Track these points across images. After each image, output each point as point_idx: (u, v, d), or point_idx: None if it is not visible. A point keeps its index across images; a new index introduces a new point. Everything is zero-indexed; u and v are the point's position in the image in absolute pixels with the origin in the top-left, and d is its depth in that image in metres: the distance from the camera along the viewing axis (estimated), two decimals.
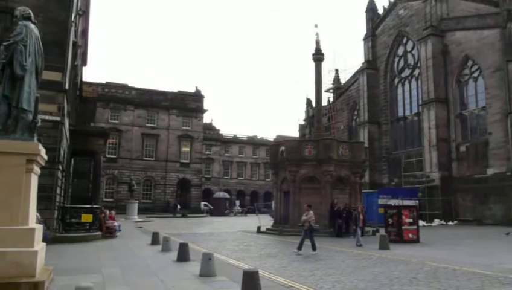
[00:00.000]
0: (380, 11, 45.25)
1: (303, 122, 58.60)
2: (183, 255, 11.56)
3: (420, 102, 37.63)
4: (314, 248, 14.02)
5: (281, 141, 35.43)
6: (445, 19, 36.71)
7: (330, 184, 22.80)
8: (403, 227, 18.24)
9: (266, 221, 27.96)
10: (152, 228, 24.64)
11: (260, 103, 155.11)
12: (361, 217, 17.84)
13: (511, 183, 29.26)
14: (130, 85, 53.08)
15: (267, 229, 24.28)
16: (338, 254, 14.17)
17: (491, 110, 31.99)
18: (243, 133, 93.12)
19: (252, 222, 32.20)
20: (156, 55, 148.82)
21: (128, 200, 38.22)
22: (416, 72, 39.48)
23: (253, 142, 77.42)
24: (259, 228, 24.40)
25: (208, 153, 70.20)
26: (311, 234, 14.29)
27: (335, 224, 21.34)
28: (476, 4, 38.50)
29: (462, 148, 34.23)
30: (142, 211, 40.14)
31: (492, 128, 31.71)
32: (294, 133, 63.89)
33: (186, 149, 54.28)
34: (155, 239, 16.06)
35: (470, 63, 34.51)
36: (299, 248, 14.03)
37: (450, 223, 31.51)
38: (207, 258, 9.35)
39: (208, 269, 9.25)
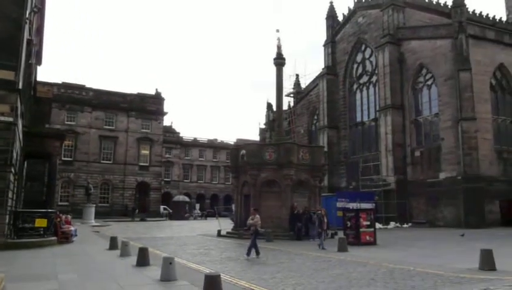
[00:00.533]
0: (340, 18, 46.29)
1: (263, 126, 58.98)
2: (143, 259, 11.35)
3: (377, 108, 38.75)
4: (258, 252, 13.81)
5: (241, 144, 35.54)
6: (402, 28, 38.05)
7: (290, 188, 23.07)
8: (361, 230, 18.70)
9: (226, 224, 27.88)
10: (110, 232, 24.03)
11: (221, 106, 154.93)
12: (325, 220, 18.11)
13: (461, 187, 30.59)
14: (87, 86, 51.57)
15: (228, 232, 24.25)
16: (298, 257, 14.34)
17: (444, 117, 33.39)
18: (204, 136, 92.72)
19: (212, 225, 32.02)
20: (115, 57, 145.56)
21: (85, 204, 37.11)
22: (374, 78, 40.65)
23: (214, 146, 77.14)
24: (219, 231, 24.33)
25: (167, 156, 69.30)
26: (255, 238, 14.03)
27: (295, 227, 21.60)
28: (430, 15, 40.14)
29: (417, 153, 35.52)
30: (99, 215, 39.05)
31: (445, 134, 33.09)
32: (255, 136, 64.30)
33: (145, 152, 53.31)
34: (113, 244, 15.68)
35: (424, 71, 35.89)
36: (248, 254, 13.79)
37: (405, 225, 32.60)
38: (167, 263, 9.23)
39: (168, 274, 9.13)
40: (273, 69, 26.31)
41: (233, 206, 31.66)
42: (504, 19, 49.29)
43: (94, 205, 37.37)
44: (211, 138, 78.39)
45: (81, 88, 50.89)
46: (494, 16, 44.47)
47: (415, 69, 36.22)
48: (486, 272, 10.24)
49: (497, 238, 20.86)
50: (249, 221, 14.68)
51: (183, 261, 12.87)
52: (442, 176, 32.84)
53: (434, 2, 41.27)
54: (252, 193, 23.38)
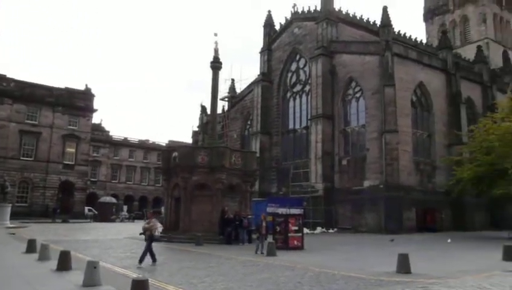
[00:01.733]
0: (277, 26, 47.30)
1: (197, 129, 58.54)
2: (64, 263, 10.79)
3: (309, 116, 39.97)
4: (154, 259, 12.98)
5: (174, 146, 35.00)
6: (335, 42, 39.69)
7: (221, 192, 23.12)
8: (289, 234, 19.17)
9: None
10: (28, 234, 22.54)
11: (155, 107, 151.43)
12: (264, 224, 18.31)
13: (383, 195, 32.40)
14: (8, 76, 48.08)
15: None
16: (227, 261, 14.40)
17: (370, 128, 35.22)
18: (134, 136, 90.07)
19: (140, 228, 31.06)
20: (43, 50, 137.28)
21: (0, 203, 34.41)
22: (307, 88, 41.92)
23: (145, 146, 75.21)
24: None
25: (95, 155, 66.47)
26: (150, 243, 13.05)
27: (225, 232, 21.65)
28: (361, 32, 42.27)
29: (344, 162, 37.12)
30: (16, 215, 36.38)
31: (370, 144, 34.90)
32: (188, 139, 63.62)
33: (71, 150, 50.60)
34: (31, 246, 14.71)
35: (354, 84, 37.65)
36: (140, 261, 12.69)
37: (331, 230, 33.86)
38: (92, 267, 8.86)
39: (92, 279, 8.77)
40: (209, 72, 26.31)
41: (162, 209, 31.04)
42: (424, 41, 53.32)
43: (10, 205, 34.71)
44: (143, 138, 76.40)
45: (1, 78, 47.32)
46: (416, 38, 47.92)
47: (346, 81, 37.88)
48: (402, 275, 10.97)
49: (414, 243, 22.35)
50: (145, 225, 13.78)
51: (108, 265, 12.43)
52: (366, 184, 34.57)
53: (365, 20, 43.53)
54: (182, 196, 23.12)
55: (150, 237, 13.24)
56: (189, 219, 22.60)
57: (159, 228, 16.29)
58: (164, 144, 70.38)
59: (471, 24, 62.79)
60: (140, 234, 14.32)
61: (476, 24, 61.93)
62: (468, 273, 11.27)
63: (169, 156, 24.93)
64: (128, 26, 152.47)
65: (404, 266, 11.46)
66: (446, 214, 35.33)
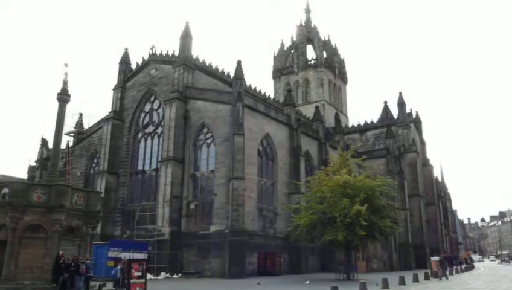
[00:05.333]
0: (134, 65, 46.63)
1: (35, 164, 52.90)
2: None
3: (160, 158, 39.58)
4: None
5: (5, 181, 30.91)
6: (190, 88, 40.72)
7: (59, 234, 21.05)
8: (132, 280, 18.26)
9: None
10: None
11: None
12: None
13: (228, 239, 33.23)
14: None
15: None
16: None
17: (218, 174, 36.34)
18: None
19: None
20: None
21: None
22: (160, 130, 41.67)
23: None
24: None
25: None
26: None
27: (59, 279, 19.60)
28: (216, 81, 44.34)
29: (192, 206, 37.31)
30: None
31: (218, 190, 35.87)
32: (23, 175, 56.82)
33: None
34: None
35: (205, 130, 38.77)
36: None
37: (175, 276, 33.20)
38: None
39: None
40: (54, 104, 24.37)
41: None
42: (272, 96, 58.53)
43: None
44: None
45: None
46: (265, 93, 52.33)
47: (198, 127, 38.86)
48: None
49: (252, 287, 23.27)
50: None
51: None
52: (212, 228, 35.16)
53: (220, 70, 45.91)
54: (10, 239, 20.31)
55: None
56: (15, 264, 19.86)
57: None
58: None
59: (311, 86, 71.40)
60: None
61: (315, 87, 70.65)
62: None
63: None
64: None
65: None
66: (284, 258, 37.80)
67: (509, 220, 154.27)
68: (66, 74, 24.93)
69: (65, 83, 24.73)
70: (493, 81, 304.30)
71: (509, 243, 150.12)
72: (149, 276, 27.11)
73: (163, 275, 32.58)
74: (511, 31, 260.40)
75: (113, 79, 47.23)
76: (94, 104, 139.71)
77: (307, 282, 26.28)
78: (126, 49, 48.12)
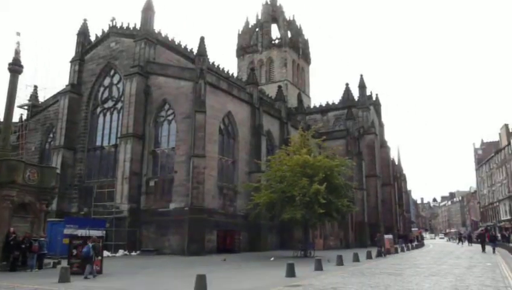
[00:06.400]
0: (93, 37, 44.84)
1: None
2: None
3: (119, 134, 38.64)
4: None
5: None
6: (152, 63, 39.68)
7: (10, 211, 20.38)
8: None
9: None
10: None
11: None
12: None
13: (188, 217, 33.16)
14: None
15: None
16: None
17: (179, 151, 35.97)
18: None
19: None
20: None
21: None
22: (119, 105, 40.55)
23: None
24: None
25: None
26: None
27: (9, 257, 19.05)
28: (178, 56, 43.45)
29: (152, 183, 36.86)
30: None
31: (178, 167, 35.57)
32: None
33: None
34: None
35: (167, 106, 38.08)
36: None
37: (133, 253, 32.95)
38: None
39: None
40: (3, 73, 23.26)
41: None
42: (236, 75, 58.10)
43: None
44: None
45: None
46: (228, 71, 51.79)
47: (159, 103, 38.11)
48: None
49: (213, 264, 23.49)
50: None
51: None
52: (172, 206, 34.95)
53: (183, 46, 44.95)
54: None
55: None
56: None
57: None
58: None
59: (275, 66, 71.39)
60: None
61: (279, 66, 70.72)
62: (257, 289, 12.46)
63: None
64: None
65: (201, 286, 12.01)
66: (244, 236, 38.27)
67: (458, 200, 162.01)
68: (18, 43, 23.79)
69: (17, 52, 23.57)
70: (449, 67, 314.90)
71: (457, 221, 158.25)
72: (106, 253, 26.91)
73: (121, 252, 32.27)
74: (469, 13, 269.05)
75: (71, 51, 45.41)
76: (50, 76, 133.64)
77: (272, 259, 26.83)
78: (85, 20, 46.16)
